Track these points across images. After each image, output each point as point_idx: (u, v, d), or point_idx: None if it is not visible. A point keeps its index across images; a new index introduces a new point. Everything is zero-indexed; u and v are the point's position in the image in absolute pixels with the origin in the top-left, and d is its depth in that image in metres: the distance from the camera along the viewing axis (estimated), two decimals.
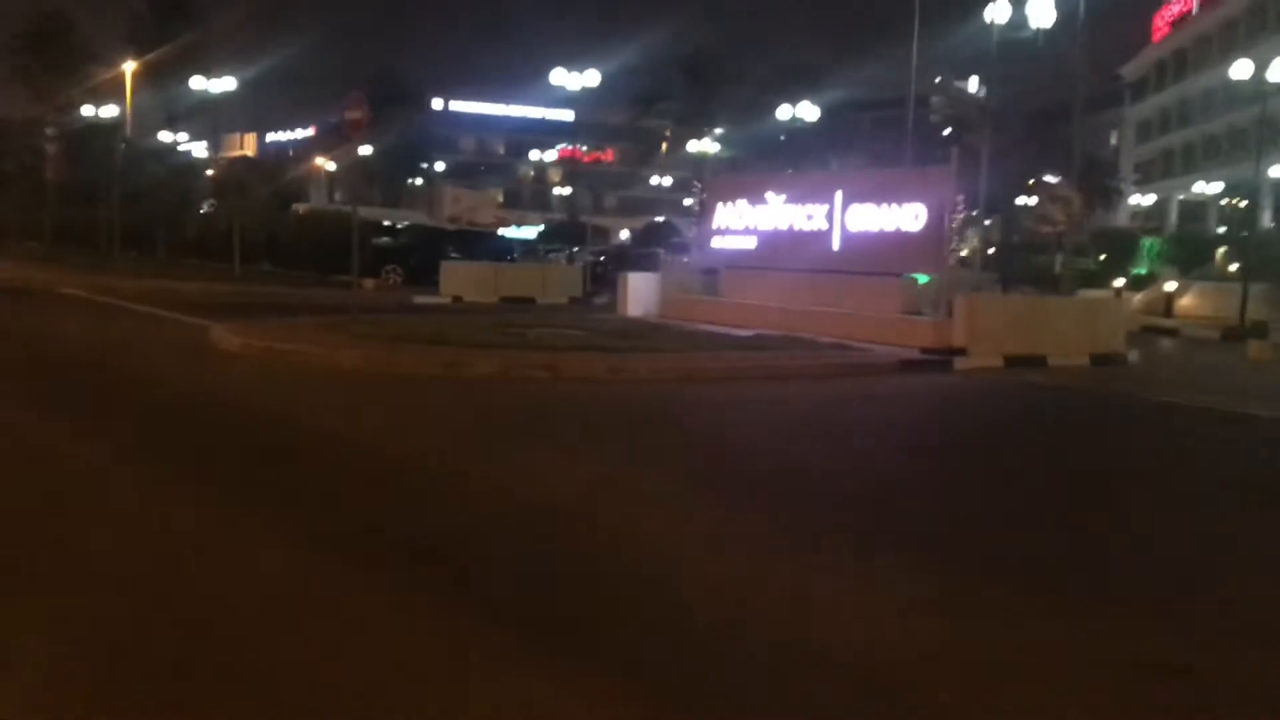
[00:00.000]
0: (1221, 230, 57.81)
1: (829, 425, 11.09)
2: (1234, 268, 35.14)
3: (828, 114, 43.58)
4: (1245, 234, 36.43)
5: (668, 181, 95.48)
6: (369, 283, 29.55)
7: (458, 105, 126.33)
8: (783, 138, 44.56)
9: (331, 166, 71.64)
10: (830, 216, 19.35)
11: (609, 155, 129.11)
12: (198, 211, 32.92)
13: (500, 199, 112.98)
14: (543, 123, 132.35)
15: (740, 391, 12.97)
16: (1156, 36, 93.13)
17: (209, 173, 47.48)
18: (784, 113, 40.19)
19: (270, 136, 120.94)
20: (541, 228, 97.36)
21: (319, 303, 25.07)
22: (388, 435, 9.37)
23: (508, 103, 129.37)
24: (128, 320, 19.52)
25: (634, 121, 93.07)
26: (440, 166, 75.18)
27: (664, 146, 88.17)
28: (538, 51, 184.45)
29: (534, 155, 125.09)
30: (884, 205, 18.40)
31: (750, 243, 21.07)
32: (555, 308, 28.35)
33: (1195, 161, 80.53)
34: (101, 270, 29.74)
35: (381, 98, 76.46)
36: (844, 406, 12.38)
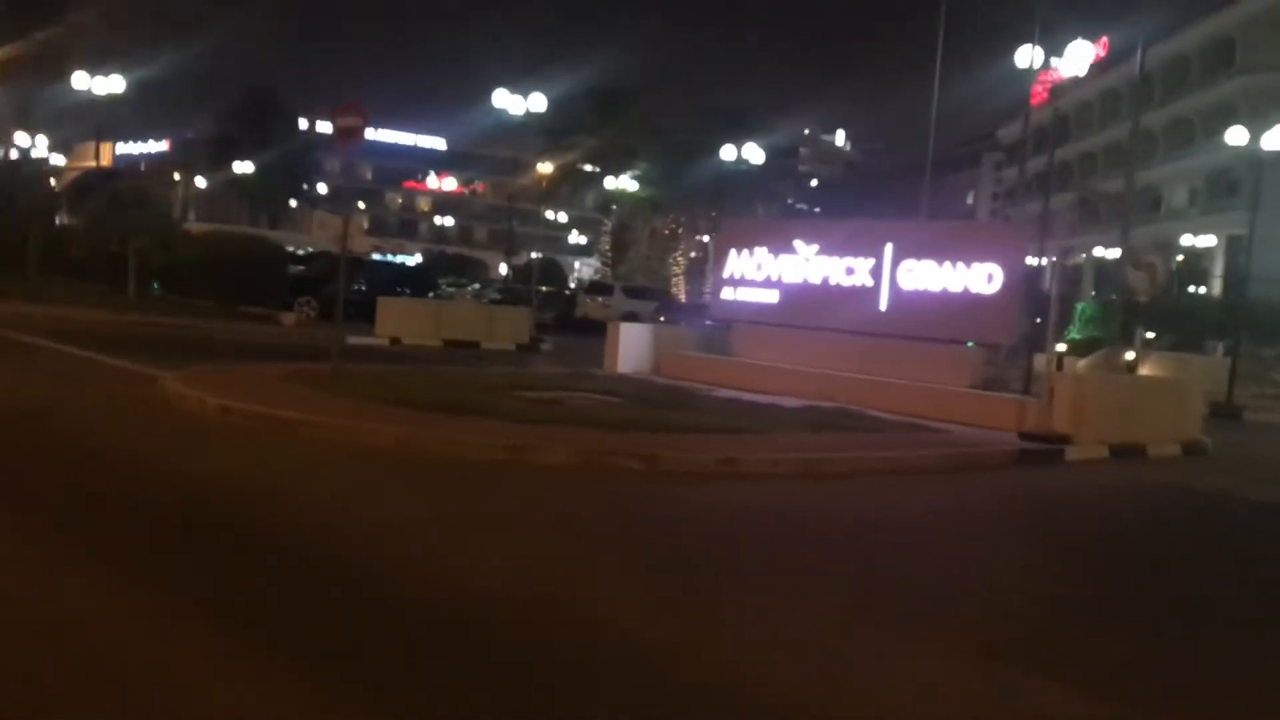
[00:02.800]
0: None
1: (1062, 548, 8.54)
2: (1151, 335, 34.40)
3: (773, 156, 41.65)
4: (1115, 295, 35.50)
5: (563, 218, 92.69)
6: (288, 318, 25.93)
7: (325, 127, 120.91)
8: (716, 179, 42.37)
9: (202, 183, 66.67)
10: (877, 272, 16.98)
11: (481, 187, 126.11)
12: (84, 228, 28.64)
13: (365, 225, 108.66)
14: (414, 150, 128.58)
15: (884, 494, 10.34)
16: (1035, 100, 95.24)
17: (54, 184, 42.76)
18: (728, 153, 37.99)
19: (120, 148, 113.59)
20: (418, 259, 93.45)
21: (248, 340, 21.57)
22: (532, 578, 6.32)
23: (377, 127, 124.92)
24: (38, 361, 15.74)
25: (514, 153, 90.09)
26: (322, 189, 70.63)
27: (544, 182, 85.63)
28: (418, 79, 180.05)
29: (409, 183, 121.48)
30: (947, 263, 16.12)
31: (771, 296, 18.53)
32: (508, 355, 25.31)
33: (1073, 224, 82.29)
34: None
35: (253, 115, 72.11)
36: (1035, 517, 9.93)
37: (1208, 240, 69.26)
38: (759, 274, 18.71)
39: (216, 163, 66.63)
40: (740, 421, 12.62)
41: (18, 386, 12.86)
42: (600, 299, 42.85)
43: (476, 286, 49.80)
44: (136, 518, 7.00)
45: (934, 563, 7.78)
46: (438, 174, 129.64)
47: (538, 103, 32.66)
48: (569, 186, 54.66)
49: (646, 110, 47.06)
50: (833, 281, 17.60)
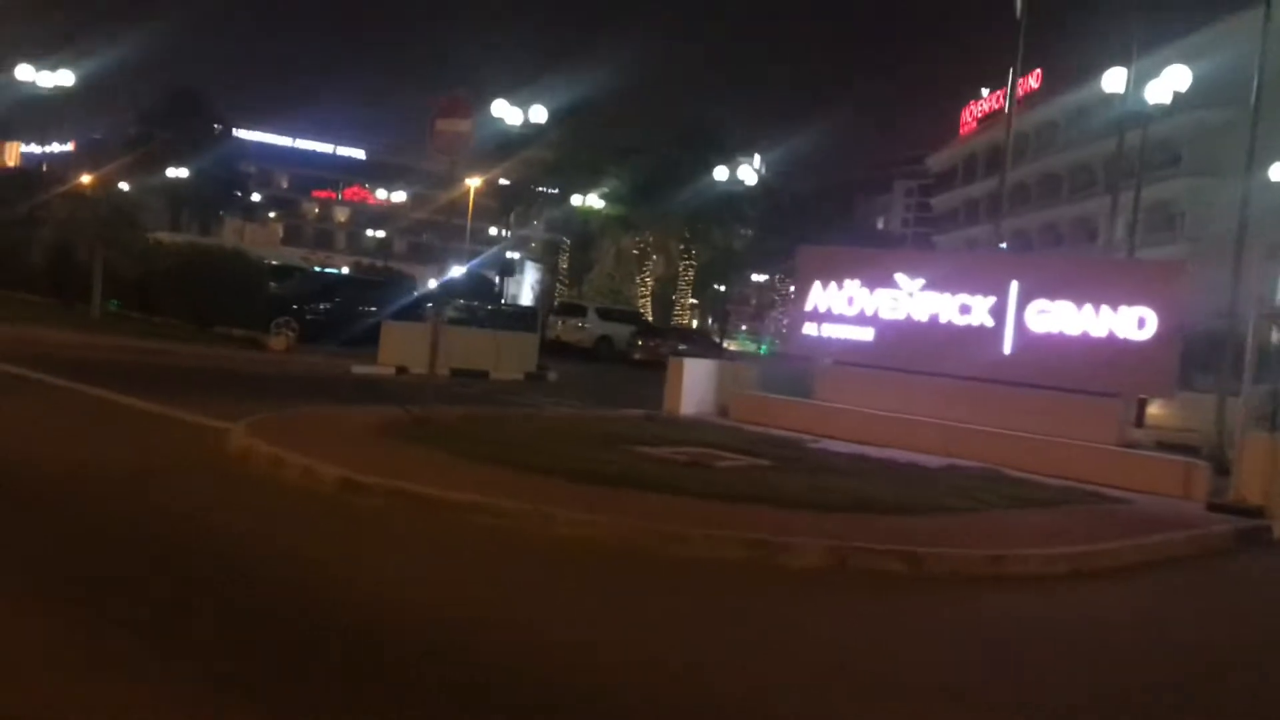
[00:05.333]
0: None
1: None
2: None
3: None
4: None
5: (507, 233, 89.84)
6: (277, 342, 23.23)
7: (243, 133, 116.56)
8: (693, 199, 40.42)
9: (124, 188, 62.37)
10: (1000, 311, 15.19)
11: (405, 198, 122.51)
12: (46, 237, 25.44)
13: (280, 234, 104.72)
14: (332, 158, 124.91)
15: (1185, 599, 8.49)
16: (964, 130, 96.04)
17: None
18: (721, 173, 36.12)
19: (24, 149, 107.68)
20: (345, 271, 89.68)
21: (253, 371, 19.05)
22: None
23: (295, 136, 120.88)
24: (50, 404, 13.04)
25: (439, 165, 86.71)
26: (256, 197, 67.09)
27: (470, 191, 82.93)
28: (333, 87, 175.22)
29: (319, 192, 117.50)
30: (1089, 304, 14.39)
31: (864, 334, 16.60)
32: (519, 386, 23.05)
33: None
34: None
35: (176, 117, 68.19)
36: None
37: None
38: (850, 309, 16.77)
39: (140, 166, 62.62)
40: (930, 495, 10.64)
41: (61, 442, 10.25)
42: (573, 321, 40.58)
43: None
44: (334, 674, 4.73)
45: None
46: (362, 185, 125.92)
47: (505, 113, 30.39)
48: (523, 204, 52.28)
49: (616, 128, 44.88)
50: (943, 320, 15.76)
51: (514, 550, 7.61)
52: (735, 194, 39.06)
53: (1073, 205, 74.85)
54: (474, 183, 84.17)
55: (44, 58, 37.60)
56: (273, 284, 27.26)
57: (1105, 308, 14.27)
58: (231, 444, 10.28)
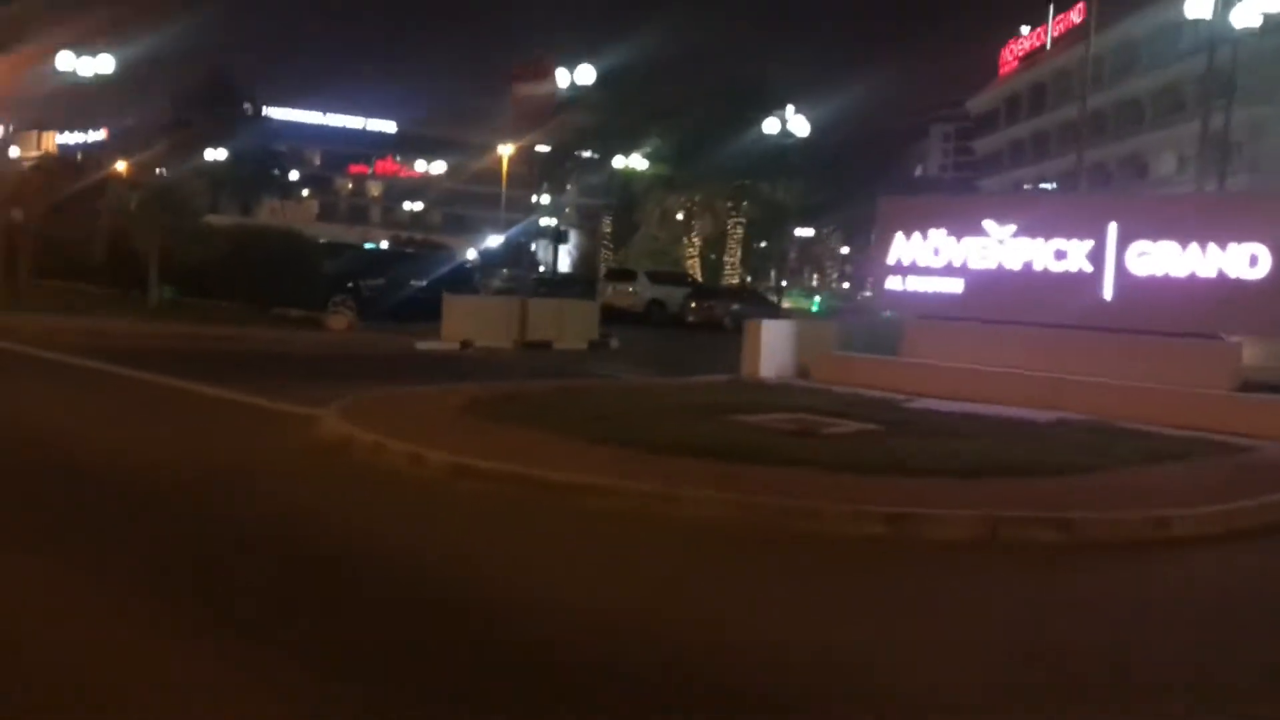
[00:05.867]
0: None
1: None
2: None
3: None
4: None
5: (545, 200, 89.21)
6: (337, 321, 22.89)
7: (274, 111, 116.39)
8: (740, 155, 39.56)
9: (163, 173, 62.39)
10: (1098, 256, 14.48)
11: (439, 169, 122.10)
12: (106, 227, 25.27)
13: (316, 211, 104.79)
14: (363, 134, 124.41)
15: None
16: (1004, 70, 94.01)
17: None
18: (771, 126, 35.29)
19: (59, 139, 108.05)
20: (385, 245, 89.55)
21: (319, 353, 18.80)
22: None
23: (325, 111, 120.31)
24: (124, 395, 12.76)
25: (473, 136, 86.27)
26: (294, 176, 66.98)
27: (504, 160, 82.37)
28: (365, 59, 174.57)
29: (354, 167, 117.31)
30: (1194, 244, 13.67)
31: (954, 285, 15.95)
32: (583, 355, 22.60)
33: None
34: None
35: (210, 100, 67.92)
36: None
37: None
38: (936, 260, 16.12)
39: (176, 151, 62.47)
40: (1058, 453, 10.06)
41: (152, 438, 9.90)
42: (623, 286, 40.02)
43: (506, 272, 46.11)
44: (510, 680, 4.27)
45: None
46: (393, 158, 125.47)
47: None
48: (563, 170, 51.62)
49: (658, 86, 43.95)
50: (1037, 267, 15.07)
51: (647, 535, 7.17)
52: (784, 146, 38.22)
53: (1121, 143, 72.97)
54: (507, 150, 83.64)
55: (83, 45, 37.39)
56: (326, 262, 26.91)
57: (1213, 246, 13.53)
58: (325, 431, 9.89)
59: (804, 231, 66.38)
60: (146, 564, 5.87)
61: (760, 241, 52.26)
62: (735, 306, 38.50)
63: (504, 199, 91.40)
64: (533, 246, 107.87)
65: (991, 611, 6.02)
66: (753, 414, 11.73)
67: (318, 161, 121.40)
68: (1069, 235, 14.78)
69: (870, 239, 64.91)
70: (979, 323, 15.58)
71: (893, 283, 16.70)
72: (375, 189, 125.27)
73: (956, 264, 15.94)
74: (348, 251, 29.04)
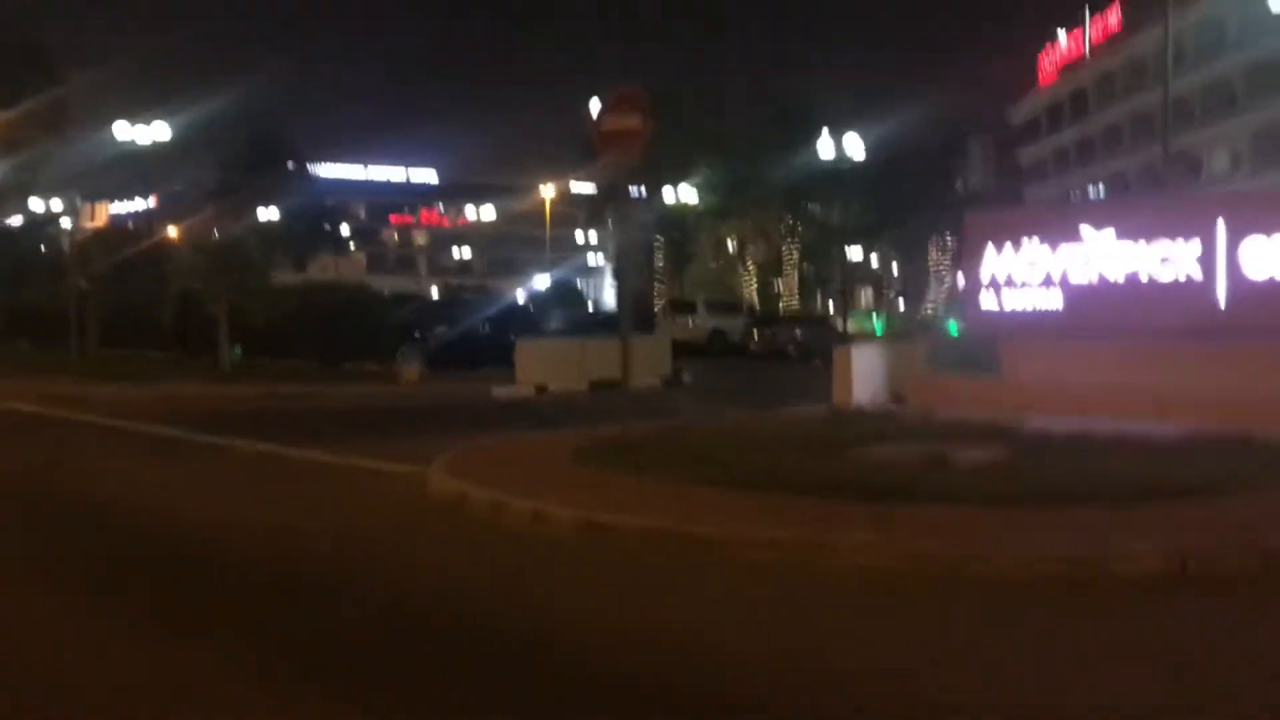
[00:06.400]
0: None
1: None
2: None
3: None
4: None
5: (593, 238, 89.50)
6: (409, 373, 22.62)
7: (317, 168, 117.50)
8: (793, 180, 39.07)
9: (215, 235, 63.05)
10: (1208, 259, 13.82)
11: (462, 220, 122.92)
12: (174, 293, 25.32)
13: (365, 264, 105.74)
14: (405, 185, 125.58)
15: None
16: (1043, 78, 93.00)
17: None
18: (825, 149, 34.84)
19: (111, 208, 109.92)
20: (432, 293, 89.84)
21: (394, 406, 18.51)
22: None
23: (367, 164, 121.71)
24: (221, 463, 12.47)
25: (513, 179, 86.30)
26: (345, 230, 67.44)
27: (547, 203, 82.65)
28: (398, 111, 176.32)
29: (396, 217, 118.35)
30: None
31: (1053, 300, 15.32)
32: (659, 393, 22.16)
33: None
34: (45, 373, 21.85)
35: (259, 162, 68.58)
36: None
37: None
38: (1032, 274, 15.51)
39: (225, 214, 62.99)
40: (1218, 471, 9.40)
41: (254, 507, 9.53)
42: (681, 318, 39.59)
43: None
44: None
45: None
46: (435, 208, 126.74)
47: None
48: (610, 207, 51.39)
49: (705, 115, 43.62)
50: (1142, 276, 14.40)
51: (810, 588, 6.65)
52: (838, 166, 37.72)
53: (1173, 140, 71.45)
54: (549, 192, 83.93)
55: (136, 115, 37.81)
56: (392, 313, 26.78)
57: None
58: (433, 489, 9.50)
59: (852, 252, 65.58)
60: (309, 652, 5.45)
61: (818, 263, 51.68)
62: (797, 333, 37.98)
63: (548, 240, 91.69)
64: (578, 284, 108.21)
65: (1216, 659, 5.43)
66: (870, 446, 11.20)
67: (362, 214, 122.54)
68: (1174, 236, 14.13)
69: (924, 255, 64.27)
70: (1081, 337, 14.93)
71: (985, 300, 16.09)
72: (421, 238, 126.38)
73: (1054, 277, 15.31)
74: (410, 302, 28.90)
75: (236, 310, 23.14)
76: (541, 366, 21.69)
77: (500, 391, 20.64)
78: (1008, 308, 15.84)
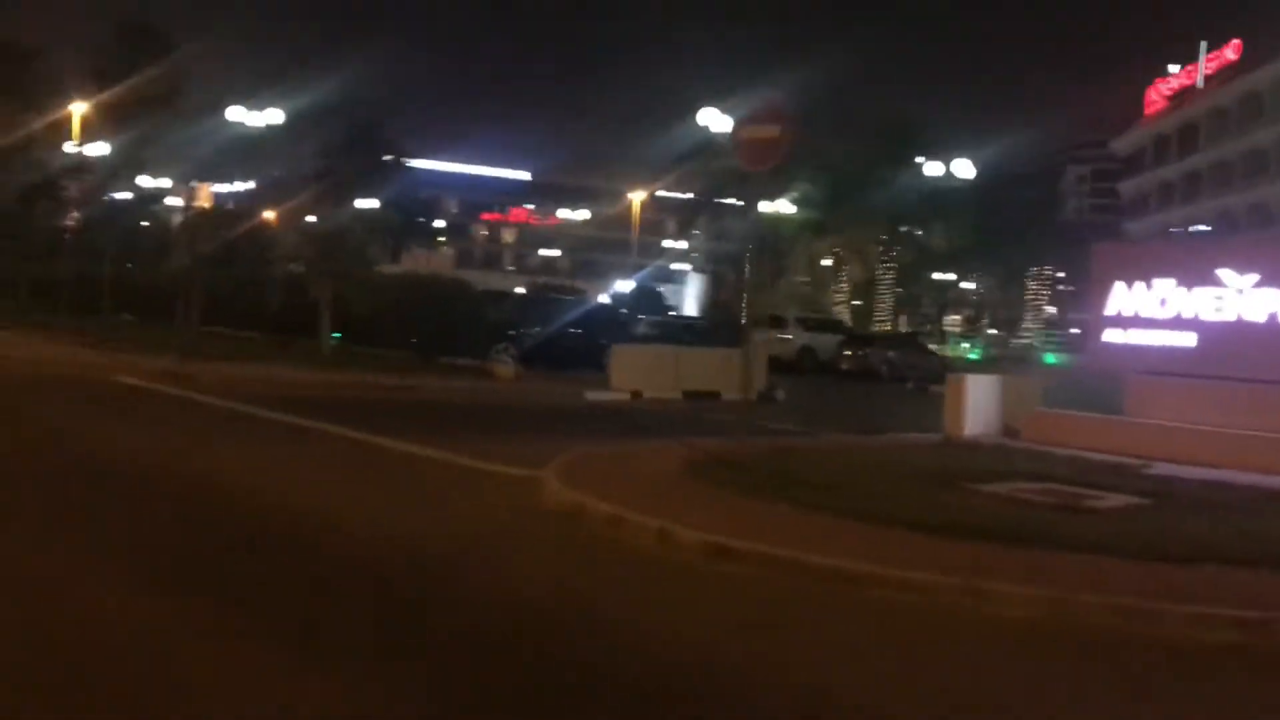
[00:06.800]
0: None
1: None
2: None
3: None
4: None
5: (682, 245, 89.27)
6: (504, 371, 22.51)
7: (415, 162, 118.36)
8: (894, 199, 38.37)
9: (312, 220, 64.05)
10: None
11: (553, 220, 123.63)
12: (281, 277, 25.65)
13: (453, 259, 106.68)
14: (498, 181, 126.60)
15: None
16: (1150, 109, 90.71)
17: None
18: (933, 169, 34.14)
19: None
20: (521, 291, 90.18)
21: (495, 403, 18.37)
22: None
23: (462, 161, 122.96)
24: (322, 451, 12.38)
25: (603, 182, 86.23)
26: (440, 223, 68.04)
27: (635, 207, 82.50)
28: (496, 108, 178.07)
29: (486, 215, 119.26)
30: None
31: (1185, 339, 14.66)
32: (751, 407, 21.68)
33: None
34: (151, 349, 22.09)
35: (356, 151, 69.47)
36: None
37: None
38: (1163, 311, 14.85)
39: (323, 200, 63.84)
40: None
41: (359, 502, 9.34)
42: (775, 333, 39.01)
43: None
44: None
45: None
46: (525, 206, 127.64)
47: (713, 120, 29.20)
48: (703, 215, 51.14)
49: (810, 129, 43.08)
50: None
51: (960, 639, 6.22)
52: (940, 189, 36.95)
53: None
54: (638, 196, 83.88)
55: (243, 99, 38.47)
56: (489, 310, 26.74)
57: None
58: (550, 497, 9.24)
59: (943, 276, 64.40)
60: (438, 670, 5.18)
61: (912, 287, 50.85)
62: (890, 354, 37.22)
63: (634, 244, 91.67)
64: (661, 290, 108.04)
65: None
66: (990, 483, 10.72)
67: (454, 209, 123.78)
68: None
69: (1021, 283, 62.88)
70: (1216, 380, 14.22)
71: (1111, 335, 15.47)
72: (509, 236, 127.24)
73: (1187, 315, 14.65)
74: (507, 299, 28.85)
75: (338, 297, 23.22)
76: (637, 372, 21.43)
77: (595, 395, 20.41)
78: (1135, 343, 15.19)
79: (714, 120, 27.16)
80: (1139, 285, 15.12)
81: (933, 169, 34.64)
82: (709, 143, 41.50)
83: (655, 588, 7.01)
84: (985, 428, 15.93)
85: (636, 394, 20.90)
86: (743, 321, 44.91)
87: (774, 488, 9.53)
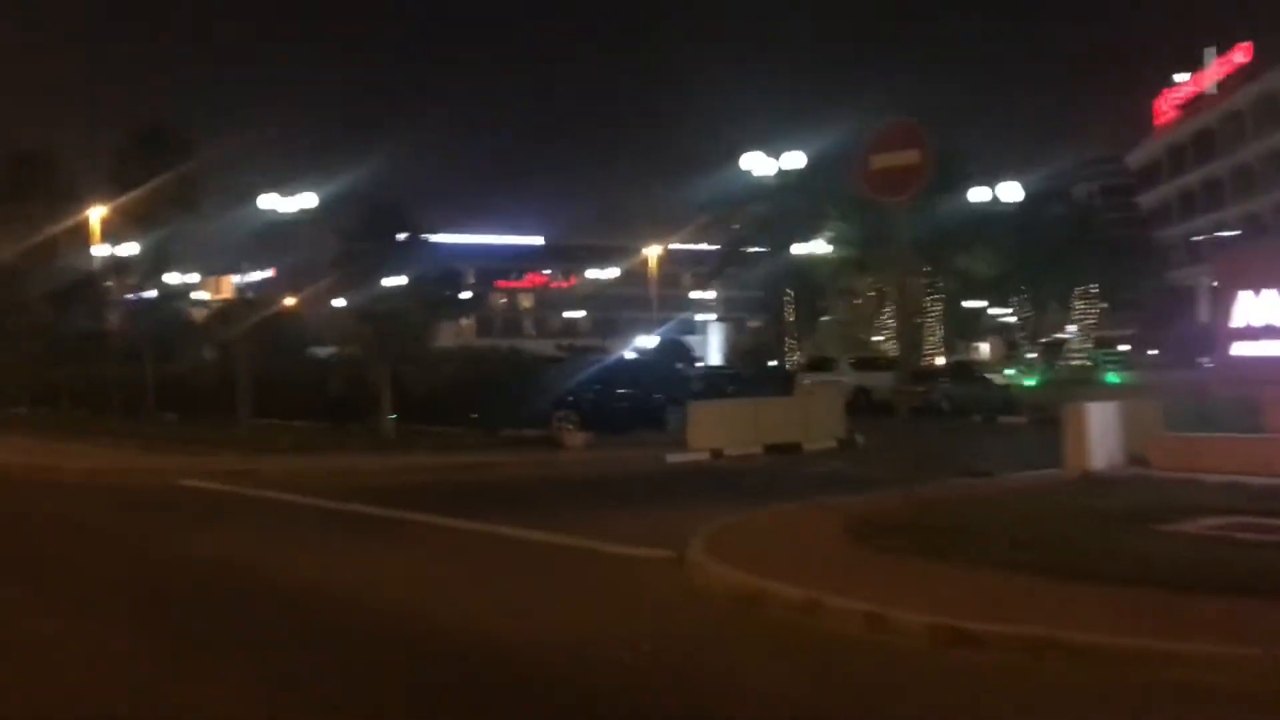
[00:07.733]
0: None
1: None
2: None
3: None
4: None
5: (703, 296, 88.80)
6: (574, 439, 21.57)
7: (431, 236, 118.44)
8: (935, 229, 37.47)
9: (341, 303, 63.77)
10: None
11: (573, 280, 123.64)
12: (338, 363, 24.95)
13: (475, 327, 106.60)
14: (512, 248, 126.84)
15: None
16: (1160, 120, 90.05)
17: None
18: (980, 194, 33.30)
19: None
20: (560, 355, 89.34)
21: (581, 474, 17.43)
22: None
23: (475, 232, 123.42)
24: (421, 545, 11.46)
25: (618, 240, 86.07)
26: (467, 295, 67.64)
27: (652, 262, 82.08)
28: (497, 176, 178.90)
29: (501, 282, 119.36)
30: None
31: None
32: (835, 455, 20.79)
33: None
34: (206, 447, 21.30)
35: (376, 231, 69.36)
36: None
37: None
38: None
39: (345, 283, 63.52)
40: None
41: (481, 599, 8.40)
42: (824, 376, 38.04)
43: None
44: None
45: None
46: (540, 271, 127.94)
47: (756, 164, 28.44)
48: (733, 265, 50.42)
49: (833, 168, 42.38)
50: None
51: None
52: (985, 214, 36.11)
53: None
54: (653, 251, 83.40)
55: (264, 188, 38.15)
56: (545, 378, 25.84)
57: None
58: (713, 582, 8.27)
59: (981, 302, 63.34)
60: None
61: (955, 316, 49.84)
62: (947, 386, 36.22)
63: (655, 298, 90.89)
64: (684, 341, 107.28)
65: None
66: (1173, 521, 9.79)
67: (470, 279, 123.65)
68: None
69: (1065, 303, 61.86)
70: None
71: (1240, 348, 14.48)
72: (526, 300, 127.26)
73: None
74: (556, 365, 28.00)
75: (394, 376, 22.48)
76: (716, 429, 20.51)
77: (674, 458, 19.47)
78: (1269, 355, 14.19)
79: (757, 164, 26.38)
80: (1268, 294, 14.15)
81: (977, 194, 33.82)
82: (757, 186, 40.90)
83: (887, 688, 6.01)
84: (1110, 458, 14.92)
85: (717, 452, 19.96)
86: (788, 368, 44.06)
87: (955, 549, 8.57)
